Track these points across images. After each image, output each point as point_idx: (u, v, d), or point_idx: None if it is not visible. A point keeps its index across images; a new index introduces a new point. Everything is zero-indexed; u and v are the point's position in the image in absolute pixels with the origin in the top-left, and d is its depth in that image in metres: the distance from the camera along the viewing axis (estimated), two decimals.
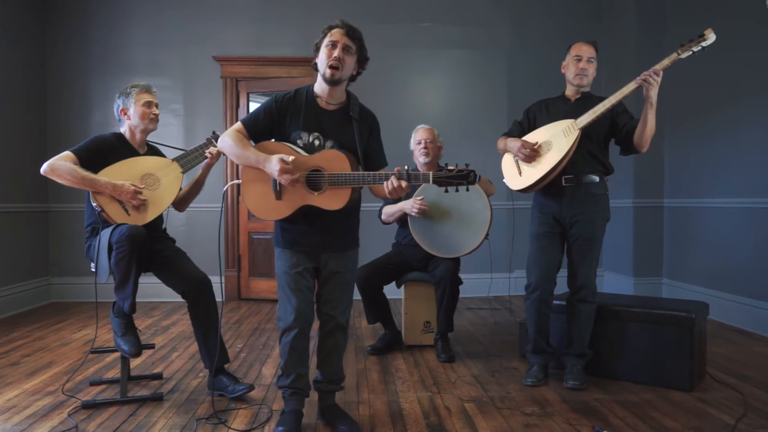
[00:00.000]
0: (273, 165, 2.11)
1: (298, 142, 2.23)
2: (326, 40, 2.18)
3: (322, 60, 2.18)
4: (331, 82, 2.18)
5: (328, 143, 2.23)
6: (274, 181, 2.18)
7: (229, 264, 5.33)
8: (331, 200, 2.16)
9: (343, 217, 2.25)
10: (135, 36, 5.26)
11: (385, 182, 2.09)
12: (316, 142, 2.22)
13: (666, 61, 2.57)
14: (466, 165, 2.08)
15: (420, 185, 3.36)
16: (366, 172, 2.14)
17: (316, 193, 2.17)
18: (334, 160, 2.16)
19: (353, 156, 2.22)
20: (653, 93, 2.56)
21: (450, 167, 2.07)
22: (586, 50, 2.82)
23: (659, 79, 2.55)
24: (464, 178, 2.06)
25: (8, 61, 4.70)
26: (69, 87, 5.23)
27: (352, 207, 2.29)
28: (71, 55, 5.22)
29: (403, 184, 2.07)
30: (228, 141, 2.21)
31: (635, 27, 5.01)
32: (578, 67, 2.82)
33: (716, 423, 2.36)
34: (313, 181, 2.17)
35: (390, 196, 2.12)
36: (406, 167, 2.10)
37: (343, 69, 2.16)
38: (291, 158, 2.11)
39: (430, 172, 2.08)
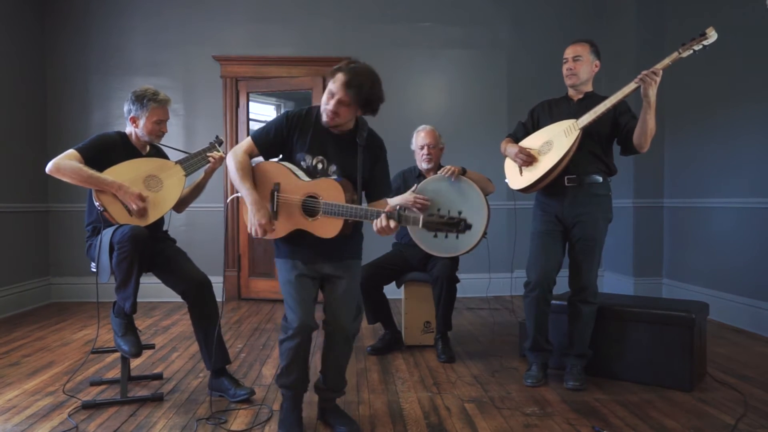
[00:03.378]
0: (259, 217, 2.14)
1: (302, 164, 2.25)
2: (329, 84, 2.15)
3: (323, 102, 2.18)
4: (331, 128, 2.21)
5: (332, 167, 2.24)
6: (272, 201, 2.22)
7: (229, 264, 5.33)
8: (325, 228, 2.17)
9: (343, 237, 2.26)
10: (135, 36, 5.26)
11: (374, 220, 2.08)
12: (319, 166, 2.24)
13: (667, 61, 2.56)
14: (459, 212, 2.06)
15: (419, 182, 3.39)
16: (360, 207, 2.13)
17: (310, 219, 2.19)
18: (330, 189, 2.17)
19: (351, 185, 2.22)
20: (651, 92, 2.55)
21: (441, 214, 2.05)
22: (569, 51, 2.88)
23: (658, 79, 2.54)
24: (454, 226, 2.03)
25: (8, 61, 4.69)
26: (69, 87, 5.23)
27: (354, 227, 2.29)
28: (71, 55, 5.22)
29: (392, 224, 2.05)
30: (233, 165, 2.23)
31: (635, 27, 5.01)
32: (565, 68, 2.89)
33: (716, 423, 2.37)
34: (309, 207, 2.19)
35: (379, 234, 2.10)
36: (397, 207, 2.09)
37: (339, 117, 2.17)
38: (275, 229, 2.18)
39: (420, 216, 2.05)
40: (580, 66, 2.84)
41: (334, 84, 2.12)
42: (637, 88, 2.60)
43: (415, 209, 3.29)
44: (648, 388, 2.80)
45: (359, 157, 2.24)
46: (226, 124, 5.31)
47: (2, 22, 4.63)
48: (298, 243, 2.25)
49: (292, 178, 2.21)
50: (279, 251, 2.31)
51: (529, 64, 5.43)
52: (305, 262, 2.24)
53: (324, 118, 2.18)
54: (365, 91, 2.10)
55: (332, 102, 2.13)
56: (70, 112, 5.22)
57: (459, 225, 2.02)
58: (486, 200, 3.28)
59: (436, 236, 3.29)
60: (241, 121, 5.35)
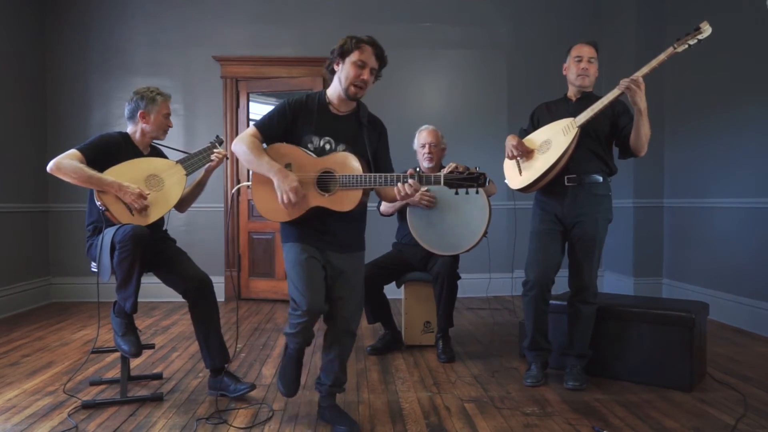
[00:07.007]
0: (290, 181, 2.13)
1: (309, 146, 2.26)
2: (355, 56, 2.20)
3: (347, 75, 2.21)
4: (354, 99, 2.25)
5: (340, 147, 2.26)
6: None
7: (229, 264, 5.33)
8: (342, 202, 2.18)
9: (350, 221, 2.28)
10: (135, 36, 5.27)
11: (396, 184, 2.12)
12: (327, 147, 2.26)
13: (662, 56, 2.57)
14: (476, 168, 2.10)
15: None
16: (377, 174, 2.16)
17: (326, 195, 2.19)
18: (346, 162, 2.19)
19: (364, 160, 2.25)
20: (639, 99, 2.57)
21: (460, 169, 2.10)
22: (586, 51, 2.83)
23: (641, 86, 2.55)
24: (475, 180, 2.09)
25: (8, 61, 4.69)
26: (69, 87, 5.23)
27: (360, 211, 2.32)
28: (71, 55, 5.22)
29: (415, 186, 2.11)
30: (243, 147, 2.22)
31: (635, 27, 5.01)
32: (579, 67, 2.83)
33: (716, 423, 2.37)
34: (324, 182, 2.20)
35: (399, 197, 2.14)
36: (417, 168, 2.13)
37: (365, 89, 2.24)
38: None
39: (441, 174, 2.11)
40: (593, 68, 2.84)
41: (364, 54, 2.20)
42: (621, 95, 2.62)
43: (422, 204, 3.30)
44: (648, 388, 2.80)
45: (365, 134, 2.28)
46: (226, 125, 5.31)
47: (2, 22, 4.63)
48: (307, 228, 2.25)
49: (303, 157, 2.22)
50: (286, 236, 2.30)
51: (528, 65, 5.43)
52: (314, 247, 2.25)
53: (352, 90, 2.21)
54: (386, 59, 2.28)
55: (366, 72, 2.20)
56: (70, 112, 5.22)
57: (479, 179, 2.09)
58: (488, 200, 3.28)
59: (434, 227, 3.28)
60: (241, 122, 5.35)
